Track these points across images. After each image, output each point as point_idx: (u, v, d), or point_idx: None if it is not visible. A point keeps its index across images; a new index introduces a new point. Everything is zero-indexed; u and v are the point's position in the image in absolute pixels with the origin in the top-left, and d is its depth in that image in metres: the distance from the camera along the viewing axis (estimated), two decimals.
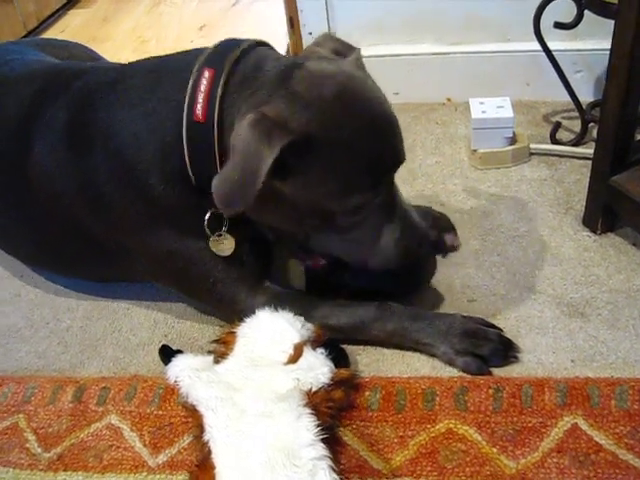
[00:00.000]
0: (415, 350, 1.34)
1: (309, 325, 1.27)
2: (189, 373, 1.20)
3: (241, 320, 1.29)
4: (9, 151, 1.45)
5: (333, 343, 1.28)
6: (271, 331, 1.25)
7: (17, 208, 1.50)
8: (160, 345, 1.38)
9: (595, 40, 1.88)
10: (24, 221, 1.51)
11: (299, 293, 1.41)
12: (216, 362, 1.24)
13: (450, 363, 1.30)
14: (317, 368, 1.18)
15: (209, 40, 2.72)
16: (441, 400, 1.24)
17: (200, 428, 1.14)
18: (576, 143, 1.82)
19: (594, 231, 1.56)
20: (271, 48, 1.32)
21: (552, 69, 1.79)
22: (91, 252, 1.46)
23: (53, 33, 3.05)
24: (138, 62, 1.41)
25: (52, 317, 1.56)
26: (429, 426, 1.20)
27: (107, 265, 1.51)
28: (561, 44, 1.89)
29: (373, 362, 1.34)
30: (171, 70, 1.29)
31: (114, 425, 1.29)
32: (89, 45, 2.09)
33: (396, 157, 1.24)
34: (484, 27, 1.98)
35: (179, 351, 1.31)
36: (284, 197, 1.20)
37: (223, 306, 1.39)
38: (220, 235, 1.31)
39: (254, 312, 1.29)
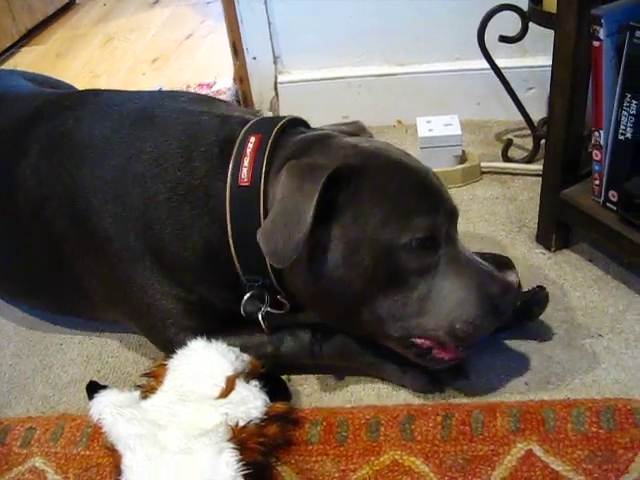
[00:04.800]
0: (362, 374, 1.27)
1: (244, 357, 1.20)
2: (111, 410, 1.11)
3: (173, 352, 1.21)
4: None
5: (271, 375, 1.20)
6: (202, 364, 1.17)
7: None
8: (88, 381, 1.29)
9: (546, 56, 1.83)
10: None
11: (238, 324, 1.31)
12: (144, 397, 1.16)
13: (398, 382, 1.24)
14: (249, 402, 1.10)
15: (162, 72, 2.74)
16: (386, 430, 1.16)
17: (117, 470, 1.05)
18: (528, 160, 1.78)
19: (548, 248, 1.51)
20: (307, 124, 1.32)
21: (503, 88, 1.76)
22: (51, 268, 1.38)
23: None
24: (169, 102, 1.33)
25: None
26: (373, 458, 1.12)
27: (63, 291, 1.41)
28: (511, 61, 1.87)
29: (315, 392, 1.26)
30: (210, 134, 1.24)
31: (38, 468, 1.20)
32: None
33: (446, 201, 1.16)
34: (432, 47, 1.95)
35: (105, 387, 1.22)
36: (338, 249, 1.11)
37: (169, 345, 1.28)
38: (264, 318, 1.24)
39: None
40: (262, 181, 1.16)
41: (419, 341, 1.15)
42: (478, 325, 1.11)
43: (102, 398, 1.15)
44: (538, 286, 1.29)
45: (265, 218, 1.14)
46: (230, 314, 1.26)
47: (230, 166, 1.18)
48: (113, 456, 1.09)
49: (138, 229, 1.22)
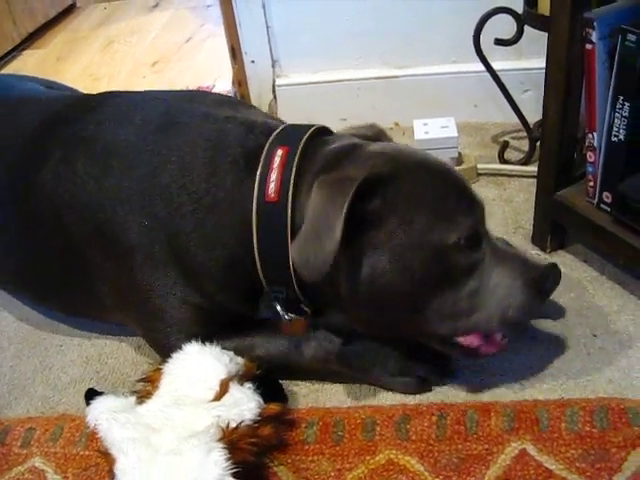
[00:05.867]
0: (350, 378, 1.28)
1: (239, 359, 1.21)
2: (107, 415, 1.12)
3: (169, 357, 1.22)
4: (20, 161, 1.39)
5: (266, 377, 1.21)
6: (197, 368, 1.17)
7: (11, 220, 1.42)
8: (89, 385, 1.32)
9: (541, 59, 1.84)
10: (15, 235, 1.43)
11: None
12: (140, 402, 1.17)
13: (387, 387, 1.25)
14: (243, 404, 1.11)
15: (162, 76, 2.76)
16: (381, 429, 1.17)
17: (111, 473, 1.07)
18: (524, 162, 1.79)
19: (544, 249, 1.52)
20: (331, 132, 1.31)
21: (500, 90, 1.77)
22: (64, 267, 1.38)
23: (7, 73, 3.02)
24: (191, 107, 1.32)
25: None
26: (368, 457, 1.13)
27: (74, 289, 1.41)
28: (508, 64, 1.88)
29: (312, 392, 1.27)
30: (235, 145, 1.22)
31: (38, 468, 1.21)
32: None
33: (476, 197, 1.17)
34: (429, 49, 1.95)
35: (102, 393, 1.23)
36: (384, 256, 1.10)
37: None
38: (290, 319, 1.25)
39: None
40: (290, 197, 1.14)
41: (463, 340, 1.18)
42: (528, 310, 1.16)
43: (98, 404, 1.16)
44: (551, 263, 1.27)
45: (292, 234, 1.14)
46: (241, 319, 1.28)
47: (257, 181, 1.17)
48: (107, 460, 1.10)
49: (163, 239, 1.22)
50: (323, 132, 1.27)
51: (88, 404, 1.19)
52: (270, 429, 1.12)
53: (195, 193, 1.21)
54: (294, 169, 1.15)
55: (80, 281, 1.37)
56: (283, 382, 1.26)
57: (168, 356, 1.22)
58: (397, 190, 1.10)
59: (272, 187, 1.15)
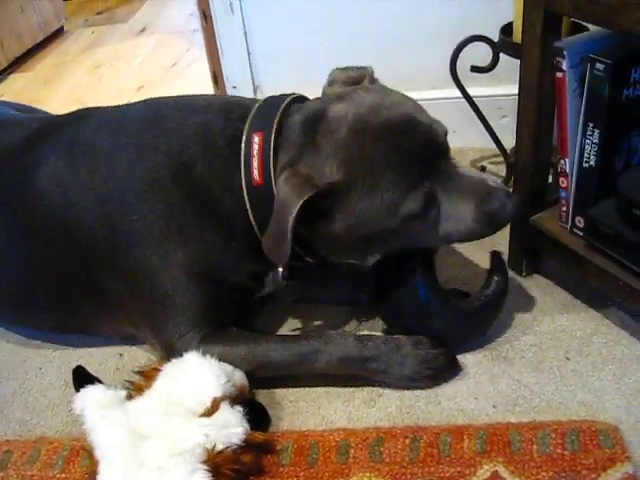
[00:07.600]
0: (365, 379, 1.31)
1: (236, 380, 1.22)
2: (95, 410, 1.14)
3: (175, 355, 1.25)
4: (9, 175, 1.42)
5: (254, 402, 1.24)
6: (194, 378, 1.19)
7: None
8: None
9: None
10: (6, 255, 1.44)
11: (245, 332, 1.36)
12: (129, 397, 1.19)
13: (402, 387, 1.30)
14: (231, 427, 1.12)
15: None
16: (356, 452, 1.18)
17: (92, 476, 1.08)
18: None
19: (519, 273, 1.53)
20: (306, 99, 1.39)
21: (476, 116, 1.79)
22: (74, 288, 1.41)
23: None
24: (168, 110, 1.39)
25: None
26: None
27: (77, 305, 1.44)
28: (486, 90, 1.90)
29: (287, 415, 1.28)
30: (218, 135, 1.32)
31: None
32: None
33: (433, 147, 1.26)
34: (408, 75, 1.97)
35: (95, 379, 1.25)
36: (344, 236, 1.26)
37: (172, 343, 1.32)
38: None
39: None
40: (273, 178, 1.26)
41: None
42: (473, 237, 1.30)
43: (87, 394, 1.19)
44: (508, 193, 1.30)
45: None
46: (245, 297, 1.40)
47: (242, 168, 1.28)
48: (90, 460, 1.11)
49: (183, 229, 1.30)
50: (298, 100, 1.35)
51: (76, 386, 1.22)
52: (251, 457, 1.13)
53: (193, 189, 1.30)
54: (271, 155, 1.26)
55: (85, 288, 1.39)
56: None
57: (169, 353, 1.27)
58: (346, 196, 1.21)
59: (256, 173, 1.28)
